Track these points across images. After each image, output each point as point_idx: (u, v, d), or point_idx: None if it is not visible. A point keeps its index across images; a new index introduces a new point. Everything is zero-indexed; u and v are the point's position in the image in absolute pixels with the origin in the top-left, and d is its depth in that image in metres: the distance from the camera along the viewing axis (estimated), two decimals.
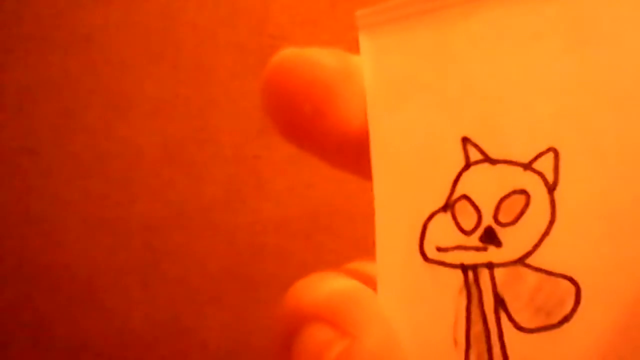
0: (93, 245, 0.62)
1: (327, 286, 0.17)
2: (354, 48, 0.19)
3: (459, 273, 0.17)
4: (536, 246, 0.16)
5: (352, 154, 0.18)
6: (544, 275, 0.16)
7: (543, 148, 0.17)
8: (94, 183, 0.62)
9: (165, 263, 0.62)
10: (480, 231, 0.17)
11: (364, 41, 0.19)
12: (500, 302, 0.17)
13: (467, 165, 0.17)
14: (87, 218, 0.62)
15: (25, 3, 0.63)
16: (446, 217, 0.17)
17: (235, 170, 0.61)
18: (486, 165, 0.17)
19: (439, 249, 0.17)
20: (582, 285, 0.16)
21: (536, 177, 0.17)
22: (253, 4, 0.60)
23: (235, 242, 0.61)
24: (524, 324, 0.16)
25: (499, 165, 0.17)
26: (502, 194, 0.17)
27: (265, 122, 0.61)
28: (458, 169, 0.17)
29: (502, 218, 0.17)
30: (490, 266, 0.17)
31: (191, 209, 0.61)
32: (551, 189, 0.16)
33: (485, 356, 0.16)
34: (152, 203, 0.62)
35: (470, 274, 0.17)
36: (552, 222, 0.16)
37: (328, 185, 0.59)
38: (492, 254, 0.17)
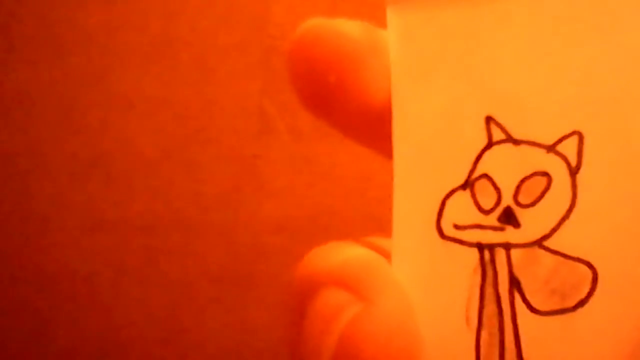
0: (93, 245, 0.62)
1: (343, 253, 0.17)
2: None
3: (475, 252, 0.17)
4: (555, 229, 0.16)
5: (373, 128, 0.18)
6: (561, 259, 0.16)
7: (567, 131, 0.16)
8: (94, 183, 0.62)
9: (165, 263, 0.62)
10: (499, 211, 0.17)
11: (392, 15, 0.18)
12: (515, 283, 0.16)
13: (490, 145, 0.17)
14: (87, 218, 0.62)
15: (25, 3, 0.63)
16: (465, 195, 0.17)
17: (235, 170, 0.61)
18: (509, 145, 0.17)
19: (456, 227, 0.17)
20: (599, 271, 0.16)
21: (559, 159, 0.16)
22: (253, 4, 0.60)
23: (235, 242, 0.61)
24: (538, 306, 0.16)
25: (521, 146, 0.17)
26: (523, 175, 0.17)
27: (265, 122, 0.60)
28: (480, 148, 0.17)
29: (522, 199, 0.17)
30: (507, 246, 0.17)
31: (191, 209, 0.61)
32: (573, 172, 0.16)
33: (497, 336, 0.16)
34: (152, 203, 0.62)
35: (487, 254, 0.17)
36: (572, 205, 0.16)
37: (328, 185, 0.59)
38: (510, 235, 0.17)
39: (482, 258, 0.17)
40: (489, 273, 0.17)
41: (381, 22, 0.19)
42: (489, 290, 0.17)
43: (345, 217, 0.58)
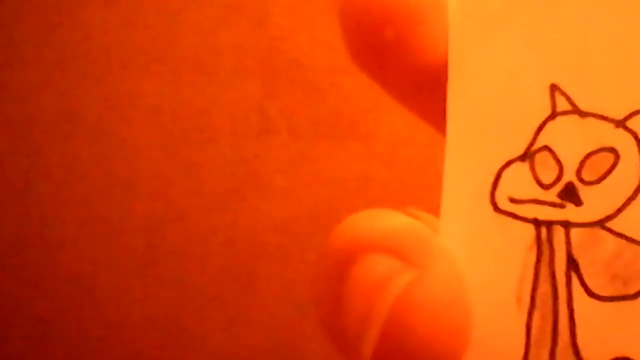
0: (93, 245, 0.62)
1: (388, 220, 0.16)
2: None
3: (531, 228, 0.16)
4: (620, 210, 0.15)
5: (426, 91, 0.17)
6: (624, 242, 0.15)
7: (639, 106, 0.15)
8: (94, 183, 0.62)
9: (165, 263, 0.62)
10: (560, 186, 0.16)
11: None
12: (573, 265, 0.15)
13: (553, 115, 0.16)
14: (87, 218, 0.62)
15: (25, 3, 0.63)
16: (524, 167, 0.16)
17: (235, 170, 0.61)
18: (574, 117, 0.16)
19: (512, 200, 0.16)
20: None
21: (629, 136, 0.15)
22: (253, 4, 0.60)
23: (235, 242, 0.61)
24: (596, 290, 0.15)
25: (588, 119, 0.16)
26: (589, 150, 0.16)
27: (265, 122, 0.60)
28: (543, 118, 0.16)
29: (586, 176, 0.16)
30: (566, 225, 0.16)
31: (191, 209, 0.61)
32: None
33: (550, 319, 0.15)
34: (152, 203, 0.62)
35: (544, 231, 0.16)
36: None
37: (328, 185, 0.59)
38: (570, 213, 0.16)
39: (538, 235, 0.16)
40: (545, 252, 0.16)
41: None
42: (544, 270, 0.16)
43: (345, 217, 0.58)
